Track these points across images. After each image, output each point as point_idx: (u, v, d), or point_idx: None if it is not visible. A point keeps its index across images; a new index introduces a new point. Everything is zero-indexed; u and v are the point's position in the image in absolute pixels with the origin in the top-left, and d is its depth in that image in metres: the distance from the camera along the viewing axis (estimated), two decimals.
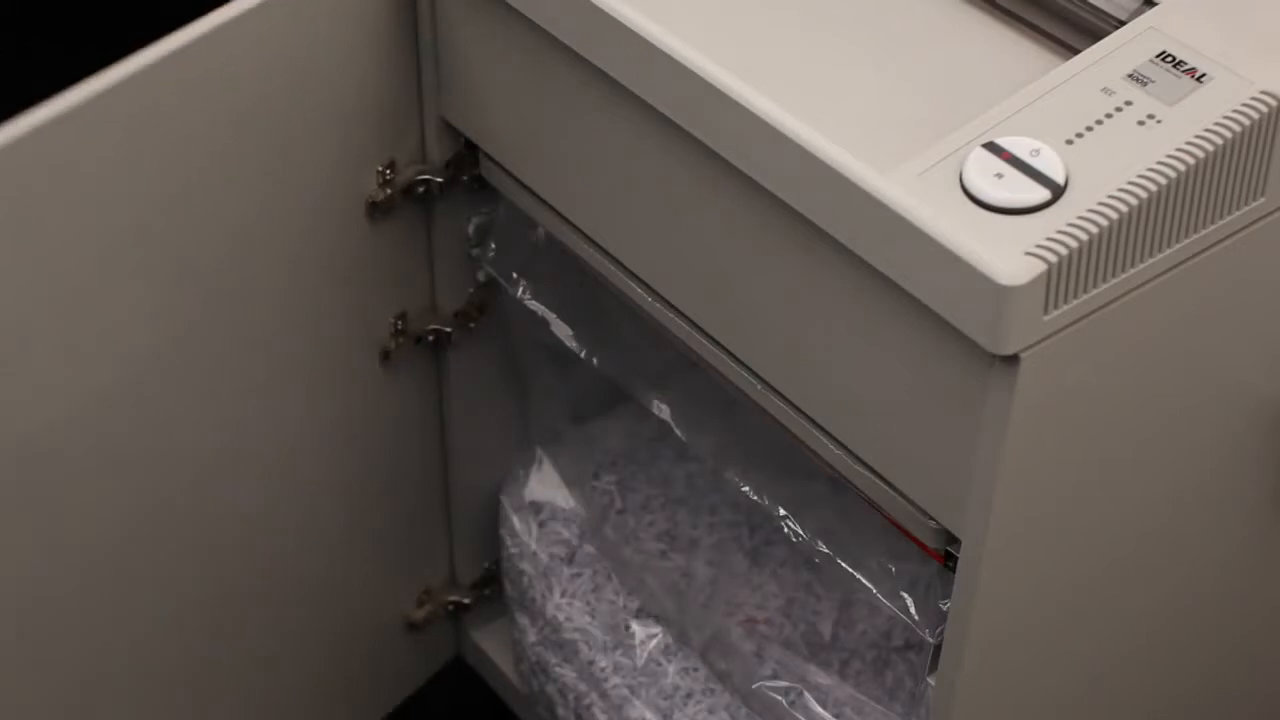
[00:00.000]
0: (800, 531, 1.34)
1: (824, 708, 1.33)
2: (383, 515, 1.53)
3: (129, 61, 1.10)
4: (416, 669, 1.63)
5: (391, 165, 1.33)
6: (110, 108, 1.09)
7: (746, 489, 1.38)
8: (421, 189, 1.35)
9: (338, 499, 1.48)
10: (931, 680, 1.14)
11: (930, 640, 1.17)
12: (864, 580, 1.28)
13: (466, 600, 1.60)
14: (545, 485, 1.51)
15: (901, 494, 1.07)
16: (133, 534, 1.38)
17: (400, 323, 1.40)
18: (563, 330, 1.38)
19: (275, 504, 1.44)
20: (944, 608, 1.16)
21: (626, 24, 1.07)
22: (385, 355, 1.40)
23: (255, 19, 1.17)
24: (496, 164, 1.32)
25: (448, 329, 1.43)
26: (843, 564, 1.29)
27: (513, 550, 1.50)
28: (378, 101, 1.30)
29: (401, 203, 1.35)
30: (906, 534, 1.09)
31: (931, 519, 1.05)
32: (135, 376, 1.26)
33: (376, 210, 1.32)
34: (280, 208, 1.27)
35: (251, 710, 1.52)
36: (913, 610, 1.22)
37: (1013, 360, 0.93)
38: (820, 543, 1.32)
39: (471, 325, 1.44)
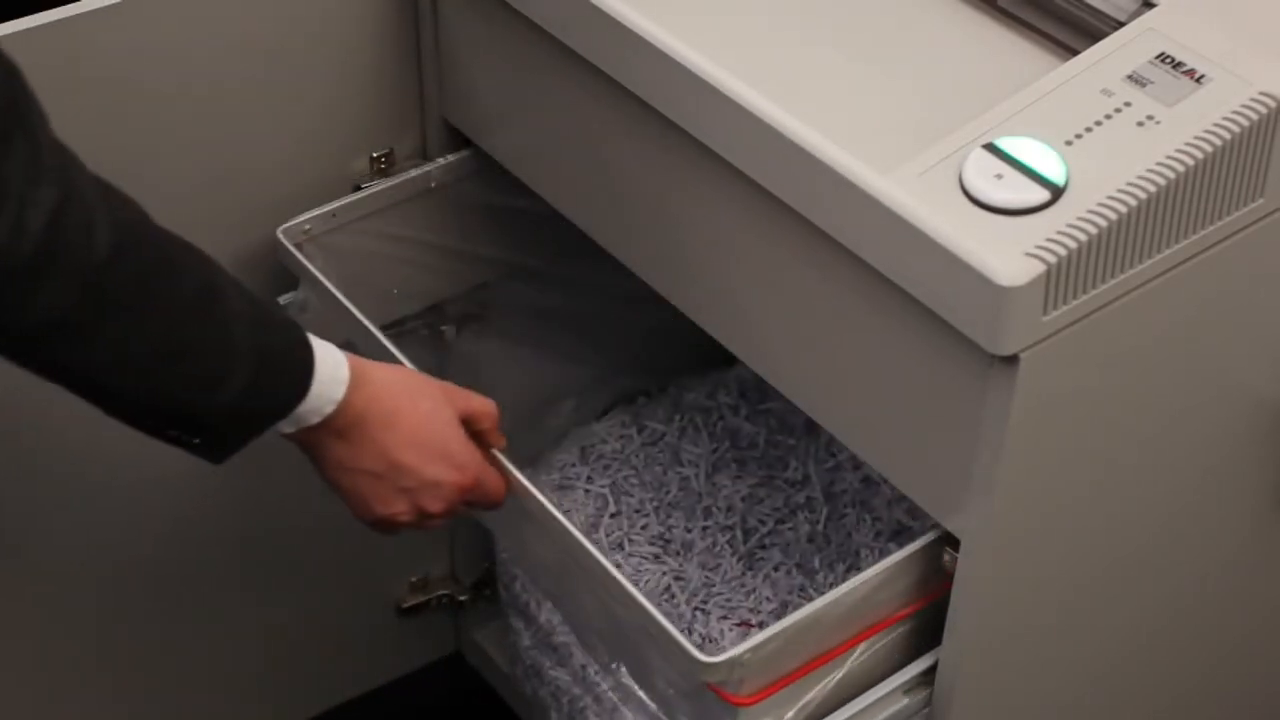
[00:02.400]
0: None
1: None
2: None
3: None
4: (409, 653, 1.64)
5: (389, 156, 1.34)
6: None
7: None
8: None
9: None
10: None
11: None
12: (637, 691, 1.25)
13: (463, 597, 1.61)
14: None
15: (902, 493, 1.07)
16: (142, 519, 1.39)
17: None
18: None
19: (280, 492, 1.44)
20: None
21: (628, 26, 1.07)
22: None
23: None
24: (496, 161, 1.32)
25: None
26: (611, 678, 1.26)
27: (505, 554, 1.50)
28: (375, 91, 1.31)
29: None
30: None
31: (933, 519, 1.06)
32: None
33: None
34: (270, 182, 1.29)
35: (248, 677, 1.54)
36: None
37: (1012, 360, 0.93)
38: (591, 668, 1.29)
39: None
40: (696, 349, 1.52)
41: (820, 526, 1.43)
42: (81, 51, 1.16)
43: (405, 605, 1.60)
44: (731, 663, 1.01)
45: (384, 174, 1.34)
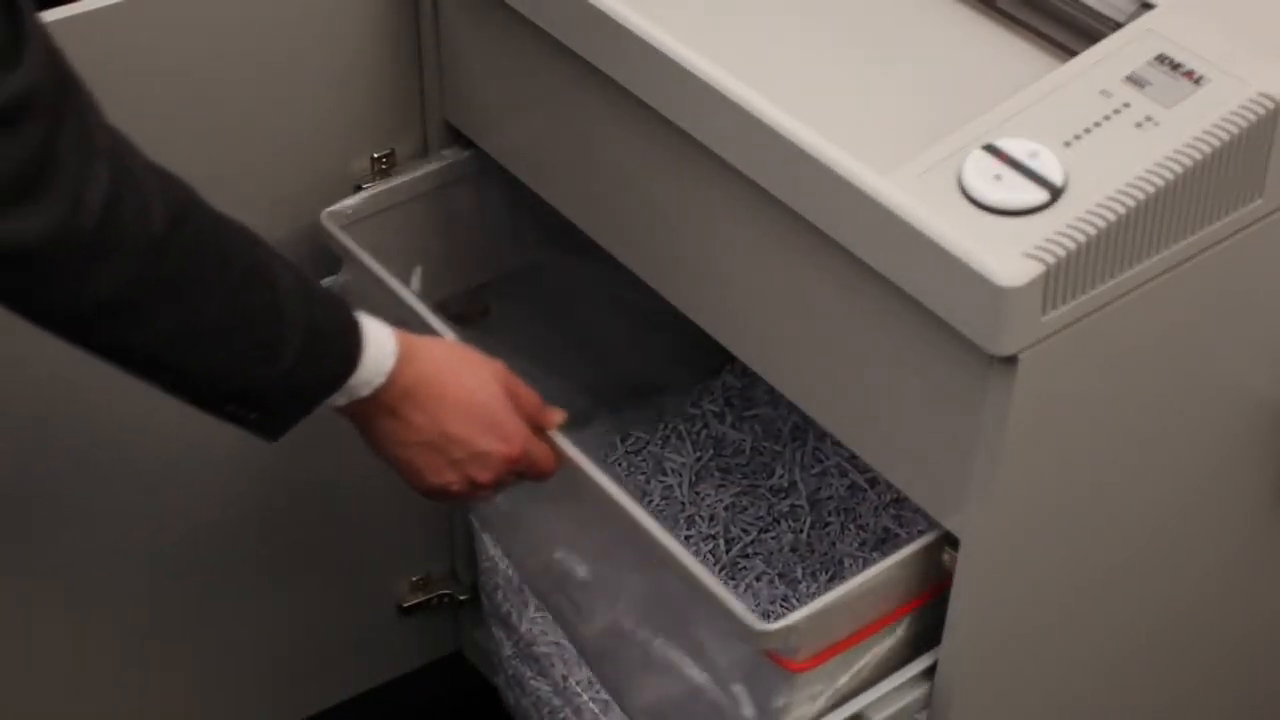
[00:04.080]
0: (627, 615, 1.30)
1: None
2: (386, 508, 1.53)
3: None
4: (409, 652, 1.64)
5: (389, 157, 1.34)
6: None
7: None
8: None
9: (341, 490, 1.48)
10: None
11: None
12: (696, 672, 1.23)
13: (463, 596, 1.61)
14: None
15: (888, 500, 1.07)
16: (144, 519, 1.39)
17: None
18: None
19: (280, 493, 1.44)
20: (779, 704, 1.11)
21: (627, 26, 1.07)
22: None
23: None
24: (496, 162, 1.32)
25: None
26: (673, 657, 1.25)
27: (486, 564, 1.50)
28: (375, 91, 1.31)
29: None
30: None
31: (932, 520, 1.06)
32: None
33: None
34: (270, 183, 1.29)
35: (244, 675, 1.54)
36: (746, 709, 1.18)
37: (1011, 361, 0.93)
38: (648, 630, 1.28)
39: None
40: (683, 358, 1.52)
41: (804, 535, 1.43)
42: (78, 52, 1.15)
43: (406, 604, 1.60)
44: (787, 630, 1.03)
45: (385, 175, 1.34)
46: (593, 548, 1.26)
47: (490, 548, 1.48)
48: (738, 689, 1.13)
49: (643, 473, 1.50)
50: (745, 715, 1.13)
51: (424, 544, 1.59)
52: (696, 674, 1.19)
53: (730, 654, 1.13)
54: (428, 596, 1.60)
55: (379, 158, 1.34)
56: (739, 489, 1.47)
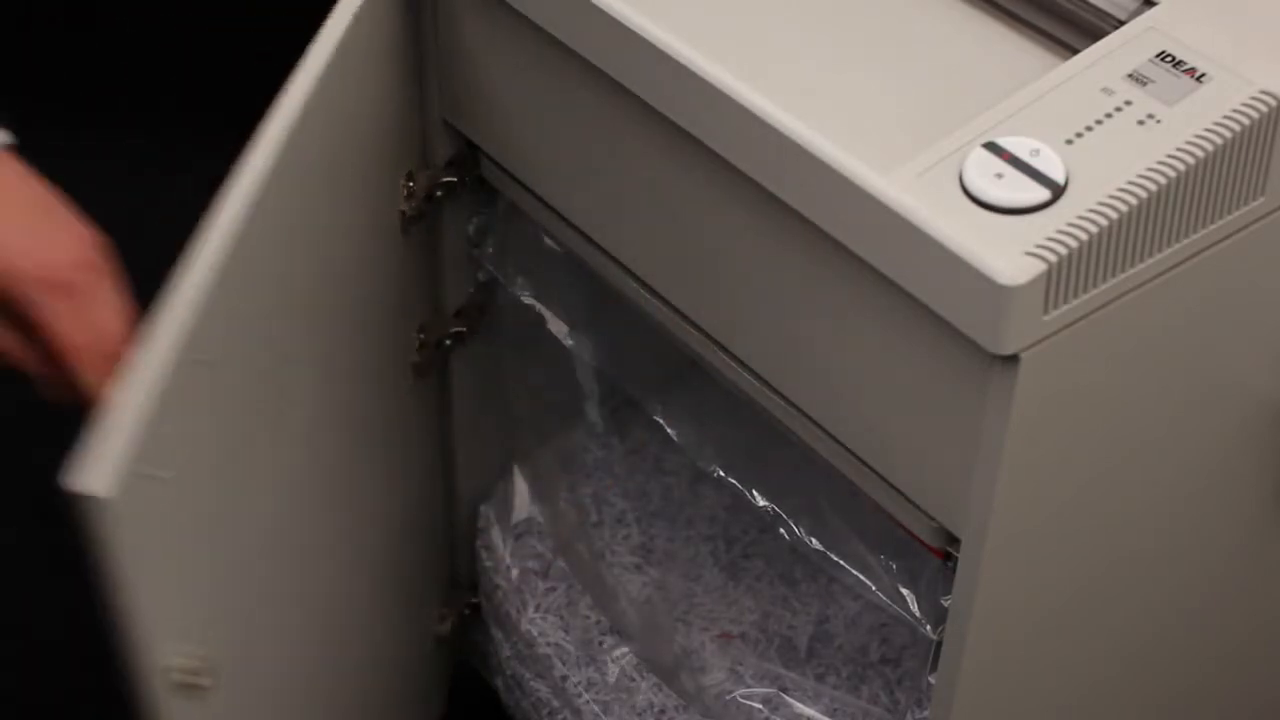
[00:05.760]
0: (795, 530, 1.33)
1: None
2: (398, 528, 1.52)
3: None
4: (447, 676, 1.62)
5: (410, 174, 1.32)
6: None
7: (729, 479, 1.37)
8: (440, 192, 1.33)
9: (358, 519, 1.46)
10: (933, 679, 1.13)
11: (932, 637, 1.17)
12: (863, 578, 1.27)
13: (475, 600, 1.60)
14: (522, 498, 1.50)
15: (902, 494, 1.07)
16: None
17: (423, 333, 1.38)
18: (559, 328, 1.37)
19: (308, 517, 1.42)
20: (946, 604, 1.16)
21: (627, 24, 1.07)
22: (416, 368, 1.38)
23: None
24: (496, 163, 1.32)
25: (460, 330, 1.42)
26: (840, 561, 1.28)
27: (488, 564, 1.50)
28: (398, 110, 1.29)
29: (425, 210, 1.32)
30: (906, 531, 1.09)
31: (932, 518, 1.05)
32: None
33: (408, 222, 1.30)
34: (326, 228, 1.22)
35: None
36: (914, 607, 1.21)
37: (1013, 360, 0.93)
38: (814, 540, 1.31)
39: (473, 327, 1.44)
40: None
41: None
42: None
43: (440, 635, 1.56)
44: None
45: None
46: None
47: (495, 541, 1.49)
48: (906, 592, 1.16)
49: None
50: (915, 614, 1.16)
51: (425, 560, 1.57)
52: (870, 586, 1.21)
53: (897, 561, 1.15)
54: (454, 615, 1.57)
55: (405, 180, 1.32)
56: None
